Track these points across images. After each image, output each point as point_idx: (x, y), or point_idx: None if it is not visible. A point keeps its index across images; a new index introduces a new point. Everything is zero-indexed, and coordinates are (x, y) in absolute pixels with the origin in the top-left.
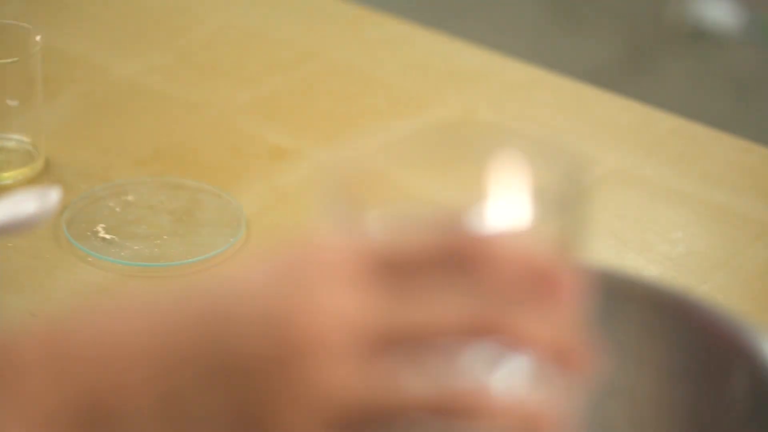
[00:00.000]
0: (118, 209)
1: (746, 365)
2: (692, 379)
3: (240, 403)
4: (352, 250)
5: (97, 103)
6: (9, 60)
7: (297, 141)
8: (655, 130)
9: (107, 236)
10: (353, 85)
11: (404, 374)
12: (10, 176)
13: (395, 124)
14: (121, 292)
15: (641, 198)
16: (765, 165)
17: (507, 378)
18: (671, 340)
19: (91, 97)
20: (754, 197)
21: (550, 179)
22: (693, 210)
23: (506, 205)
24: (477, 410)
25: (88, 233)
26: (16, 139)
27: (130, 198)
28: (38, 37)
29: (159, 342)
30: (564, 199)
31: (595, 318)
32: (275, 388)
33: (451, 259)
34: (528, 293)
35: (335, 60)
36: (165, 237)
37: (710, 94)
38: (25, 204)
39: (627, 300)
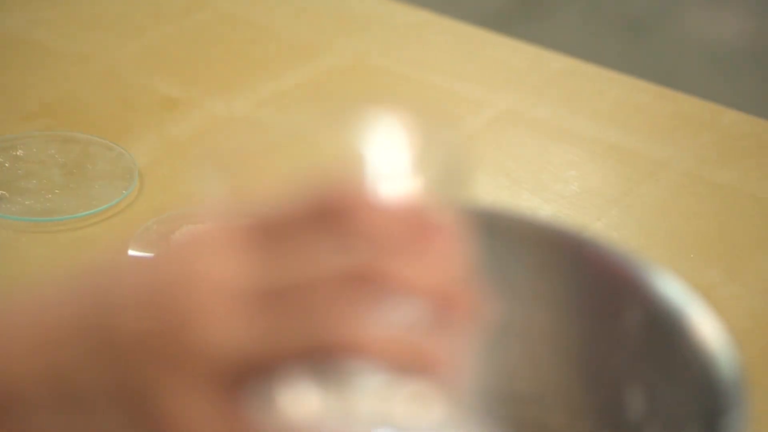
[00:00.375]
0: (7, 164)
1: (640, 301)
2: (587, 315)
3: (124, 376)
4: (229, 220)
5: None
6: None
7: (188, 91)
8: (546, 70)
9: None
10: (243, 33)
11: (286, 327)
12: None
13: (286, 72)
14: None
15: (534, 138)
16: (656, 103)
17: (393, 323)
18: (566, 278)
19: None
20: (646, 135)
21: (431, 131)
22: (586, 149)
23: (386, 157)
24: (363, 351)
25: None
26: None
27: (19, 153)
28: None
29: (44, 315)
30: (445, 149)
31: (487, 259)
32: (159, 359)
33: (327, 216)
34: (406, 242)
35: (224, 9)
36: (57, 191)
37: (601, 34)
38: None
39: (521, 239)
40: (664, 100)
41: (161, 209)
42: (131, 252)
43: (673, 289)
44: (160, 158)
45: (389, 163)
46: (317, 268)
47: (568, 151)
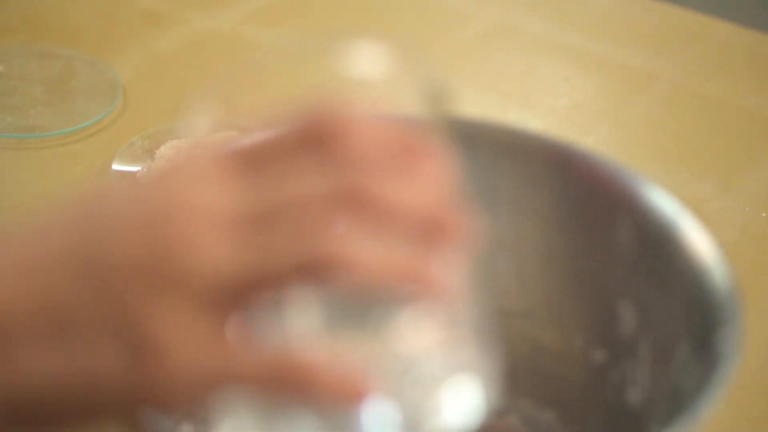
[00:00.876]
0: None
1: (630, 216)
2: (577, 230)
3: (114, 303)
4: (217, 149)
5: None
6: None
7: (171, 5)
8: None
9: None
10: None
11: (275, 249)
12: None
13: None
14: None
15: (523, 52)
16: (646, 15)
17: (384, 243)
18: (555, 193)
19: None
20: (637, 48)
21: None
22: (576, 62)
23: (371, 77)
24: (354, 271)
25: None
26: None
27: (0, 68)
28: None
29: (31, 246)
30: (428, 69)
31: (474, 174)
32: (149, 285)
33: (314, 138)
34: (395, 163)
35: None
36: (39, 107)
37: None
38: None
39: (509, 153)
40: (654, 12)
41: (145, 125)
42: (115, 167)
43: (664, 202)
44: (144, 73)
45: (374, 83)
46: (306, 189)
47: (557, 65)
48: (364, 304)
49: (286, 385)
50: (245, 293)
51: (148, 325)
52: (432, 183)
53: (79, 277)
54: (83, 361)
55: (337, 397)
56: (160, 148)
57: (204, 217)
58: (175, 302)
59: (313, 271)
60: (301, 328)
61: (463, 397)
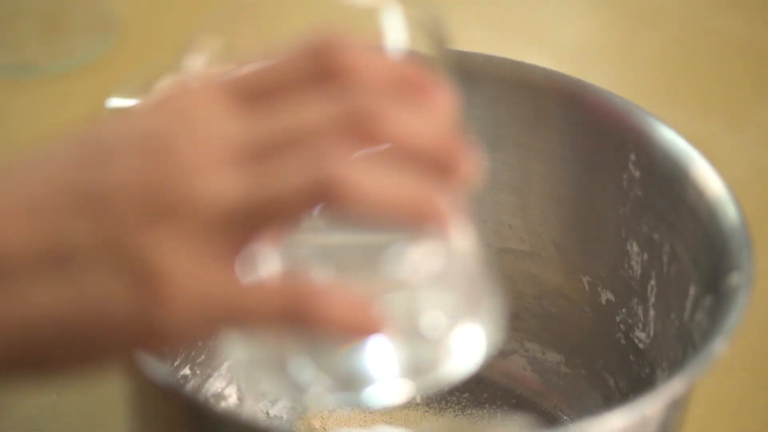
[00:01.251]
0: None
1: (639, 153)
2: (584, 168)
3: (114, 231)
4: (217, 78)
5: None
6: None
7: None
8: None
9: None
10: None
11: (280, 173)
12: None
13: None
14: None
15: None
16: None
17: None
18: (562, 130)
19: None
20: None
21: None
22: None
23: (371, 17)
24: (359, 195)
25: None
26: None
27: None
28: None
29: (30, 174)
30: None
31: (477, 110)
32: (150, 213)
33: (316, 70)
34: (399, 95)
35: None
36: (33, 43)
37: None
38: None
39: (516, 90)
40: None
41: (144, 61)
42: (113, 103)
43: (673, 140)
44: (142, 8)
45: (375, 17)
46: (310, 114)
47: (564, 0)
48: (368, 240)
49: (296, 312)
50: (250, 223)
51: (149, 254)
52: (437, 115)
53: (77, 207)
54: (86, 295)
55: (348, 325)
56: (158, 84)
57: (206, 144)
58: (177, 231)
59: (319, 196)
60: (307, 265)
61: (468, 338)
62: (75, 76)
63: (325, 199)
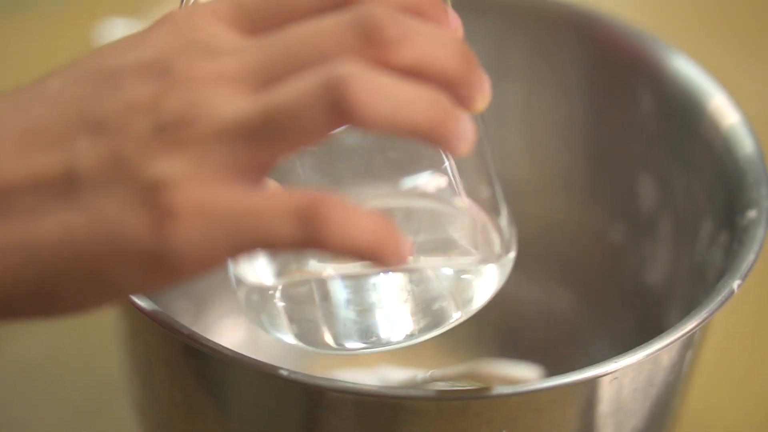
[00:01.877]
0: None
1: (653, 84)
2: (595, 99)
3: (121, 150)
4: (228, 3)
5: None
6: None
7: None
8: None
9: None
10: None
11: (292, 84)
12: None
13: None
14: None
15: None
16: None
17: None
18: (572, 59)
19: None
20: None
21: None
22: None
23: None
24: (372, 103)
25: None
26: None
27: None
28: None
29: (35, 90)
30: None
31: (482, 39)
32: (160, 131)
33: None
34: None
35: None
36: None
37: None
38: None
39: (524, 18)
40: None
41: None
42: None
43: (689, 71)
44: None
45: None
46: (322, 28)
47: None
48: (378, 160)
49: (313, 227)
50: (263, 137)
51: (159, 173)
52: (451, 37)
53: (84, 131)
54: (97, 219)
55: (367, 242)
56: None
57: (213, 61)
58: (187, 148)
59: (331, 99)
60: (322, 182)
61: (476, 277)
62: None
63: (337, 103)
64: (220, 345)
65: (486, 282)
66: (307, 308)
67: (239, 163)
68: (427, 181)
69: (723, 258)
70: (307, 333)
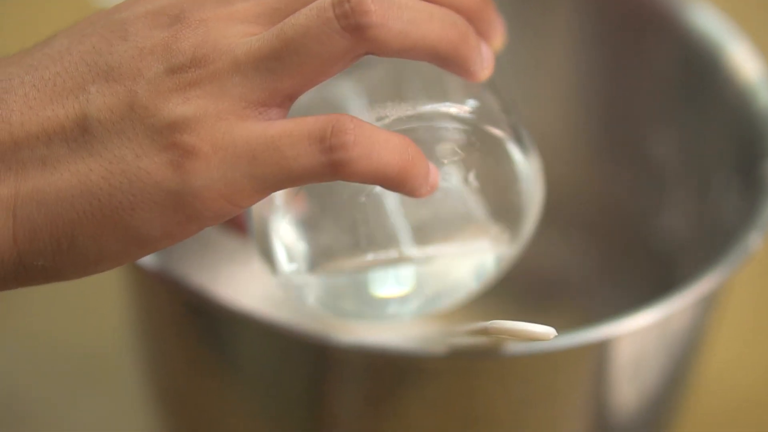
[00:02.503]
0: None
1: (671, 32)
2: (612, 49)
3: (136, 94)
4: None
5: None
6: None
7: None
8: None
9: None
10: None
11: (302, 12)
12: None
13: None
14: None
15: None
16: None
17: None
18: (582, 5)
19: None
20: None
21: None
22: None
23: None
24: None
25: None
26: None
27: None
28: None
29: (47, 46)
30: None
31: None
32: (174, 71)
33: None
34: None
35: None
36: None
37: None
38: None
39: None
40: None
41: None
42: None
43: (708, 19)
44: None
45: None
46: None
47: None
48: (400, 87)
49: (337, 149)
50: (278, 66)
51: (175, 112)
52: None
53: (98, 79)
54: (116, 164)
55: (396, 165)
56: None
57: (221, 5)
58: (202, 84)
59: (342, 18)
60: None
61: (492, 238)
62: None
63: (351, 20)
64: (225, 300)
65: (496, 249)
66: (337, 272)
67: (256, 96)
68: (451, 106)
69: (740, 212)
70: (335, 298)
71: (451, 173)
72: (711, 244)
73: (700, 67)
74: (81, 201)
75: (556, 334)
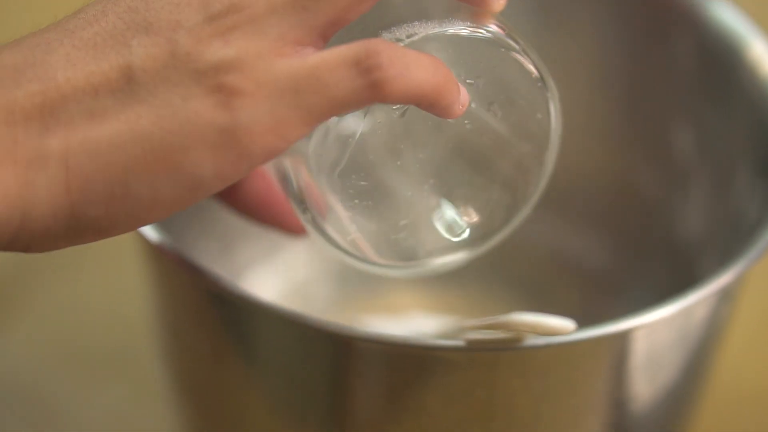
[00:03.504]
0: None
1: (692, 28)
2: (632, 44)
3: (178, 43)
4: None
5: None
6: None
7: None
8: None
9: None
10: None
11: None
12: None
13: None
14: None
15: None
16: None
17: None
18: (605, 3)
19: None
20: None
21: None
22: None
23: None
24: None
25: None
26: None
27: None
28: None
29: (84, 13)
30: None
31: None
32: (213, 16)
33: None
34: None
35: None
36: None
37: None
38: None
39: None
40: None
41: None
42: None
43: (732, 18)
44: None
45: None
46: None
47: None
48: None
49: (374, 71)
50: (312, 8)
51: (217, 54)
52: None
53: (139, 33)
54: (164, 109)
55: (430, 83)
56: None
57: None
58: (241, 26)
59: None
60: None
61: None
62: None
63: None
64: (248, 293)
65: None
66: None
67: (293, 35)
68: (477, 27)
69: (760, 207)
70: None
71: (476, 96)
72: (730, 238)
73: (722, 63)
74: (133, 146)
75: (575, 326)
